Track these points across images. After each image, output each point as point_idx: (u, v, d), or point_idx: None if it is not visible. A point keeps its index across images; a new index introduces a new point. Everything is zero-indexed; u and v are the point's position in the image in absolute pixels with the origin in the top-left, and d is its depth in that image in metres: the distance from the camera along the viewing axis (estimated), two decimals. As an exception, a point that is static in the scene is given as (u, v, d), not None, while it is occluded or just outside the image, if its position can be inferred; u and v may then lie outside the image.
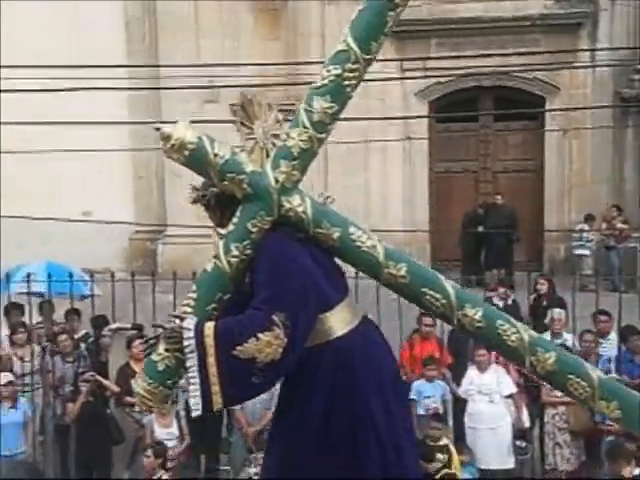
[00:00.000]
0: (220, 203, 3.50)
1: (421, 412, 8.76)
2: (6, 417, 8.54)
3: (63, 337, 9.42)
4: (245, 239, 3.39)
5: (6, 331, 9.97)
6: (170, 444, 8.40)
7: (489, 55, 13.85)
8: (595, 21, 15.73)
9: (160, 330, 3.39)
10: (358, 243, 3.49)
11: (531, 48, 14.76)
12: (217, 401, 3.18)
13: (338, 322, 3.42)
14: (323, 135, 3.49)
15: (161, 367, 3.34)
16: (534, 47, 14.95)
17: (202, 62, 12.48)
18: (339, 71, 3.47)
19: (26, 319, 9.71)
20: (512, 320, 3.60)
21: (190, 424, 8.49)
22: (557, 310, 9.67)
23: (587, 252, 15.11)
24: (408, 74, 15.21)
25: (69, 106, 12.14)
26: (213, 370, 3.16)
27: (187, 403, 8.62)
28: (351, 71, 3.49)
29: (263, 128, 3.53)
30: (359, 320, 3.52)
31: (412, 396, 8.91)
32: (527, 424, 8.80)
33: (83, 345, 9.53)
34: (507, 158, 16.64)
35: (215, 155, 3.41)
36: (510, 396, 8.64)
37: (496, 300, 10.79)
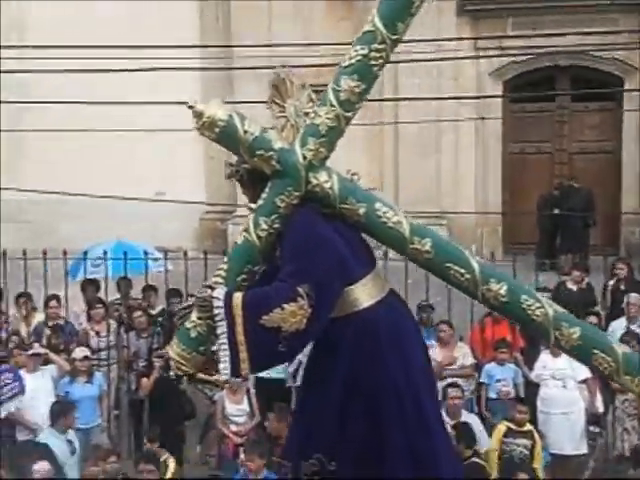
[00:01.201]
0: (252, 179, 3.62)
1: (492, 395, 8.70)
2: (82, 391, 8.75)
3: (138, 313, 9.61)
4: (273, 214, 3.53)
5: (83, 307, 10.22)
6: (240, 420, 8.51)
7: (566, 34, 13.55)
8: (675, -1, 15.25)
9: (193, 299, 3.54)
10: (384, 219, 3.57)
11: (609, 27, 14.39)
12: (244, 367, 3.34)
13: (364, 294, 3.52)
14: (350, 114, 3.58)
15: (193, 334, 3.50)
16: (612, 26, 14.58)
17: (274, 43, 12.49)
18: (366, 51, 3.56)
19: (102, 295, 9.92)
20: (537, 295, 3.64)
21: (260, 401, 8.57)
22: (634, 295, 9.51)
23: (664, 235, 14.73)
24: (482, 53, 15.00)
25: (144, 85, 12.28)
26: (241, 338, 3.31)
27: (257, 380, 8.74)
28: (377, 51, 3.58)
29: (295, 106, 3.63)
30: (385, 293, 3.61)
31: (483, 379, 8.87)
32: (601, 409, 8.67)
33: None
34: (583, 139, 16.29)
35: (245, 132, 3.52)
36: (584, 381, 8.51)
37: (570, 284, 10.63)
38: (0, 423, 8.10)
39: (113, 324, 9.75)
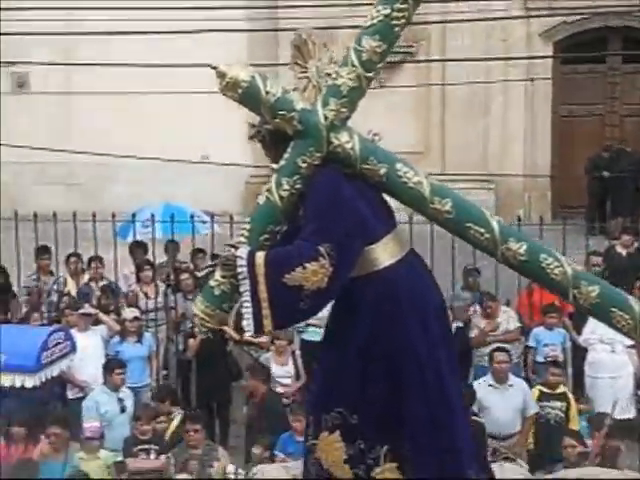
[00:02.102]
0: (274, 140, 3.65)
1: (540, 359, 8.66)
2: (132, 351, 8.88)
3: (185, 275, 9.69)
4: (295, 174, 3.56)
5: (132, 269, 10.34)
6: (286, 381, 8.58)
7: (618, -6, 13.25)
8: None
9: (218, 258, 3.63)
10: (404, 179, 3.60)
11: (663, -14, 14.03)
12: (267, 324, 3.41)
13: (384, 254, 3.56)
14: (371, 74, 3.60)
15: (217, 292, 3.57)
16: (666, -14, 14.20)
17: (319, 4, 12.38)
18: (388, 11, 3.56)
19: (150, 258, 10.03)
20: (556, 254, 3.67)
21: (306, 362, 8.63)
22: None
23: None
24: (533, 13, 14.71)
25: (185, 48, 12.27)
26: (264, 296, 3.39)
27: (303, 342, 8.79)
28: (399, 11, 3.57)
29: (317, 67, 3.65)
30: (405, 253, 3.64)
31: (530, 343, 8.83)
32: (650, 373, 8.57)
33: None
34: (635, 102, 15.96)
35: (267, 93, 3.55)
36: (633, 346, 8.41)
37: (619, 248, 10.50)
38: (52, 381, 8.25)
39: (161, 286, 9.85)
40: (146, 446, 7.42)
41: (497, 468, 4.90)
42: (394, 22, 3.55)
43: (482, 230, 3.59)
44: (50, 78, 14.85)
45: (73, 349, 8.36)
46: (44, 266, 10.13)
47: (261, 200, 3.62)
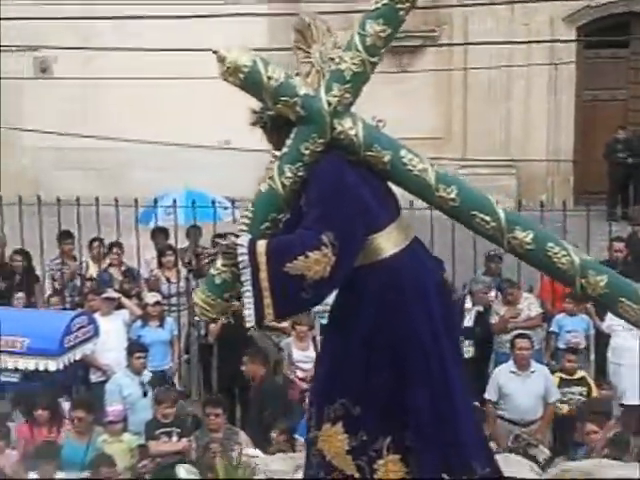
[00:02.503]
0: (276, 126, 3.57)
1: (561, 345, 8.63)
2: (154, 335, 8.93)
3: (206, 261, 9.68)
4: (298, 161, 3.50)
5: (153, 254, 10.38)
6: (307, 366, 8.59)
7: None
8: None
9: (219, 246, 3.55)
10: (409, 166, 3.54)
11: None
12: (269, 314, 3.35)
13: (387, 243, 3.50)
14: (375, 59, 3.53)
15: (218, 280, 3.52)
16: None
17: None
18: None
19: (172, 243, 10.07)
20: (564, 243, 3.60)
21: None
22: None
23: None
24: (556, -3, 14.59)
25: (205, 33, 12.26)
26: (265, 285, 3.33)
27: (323, 327, 8.80)
28: None
29: (320, 52, 3.57)
30: (409, 241, 3.58)
31: (553, 329, 8.78)
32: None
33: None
34: (658, 86, 15.83)
35: (269, 78, 3.47)
36: (657, 332, 8.35)
37: (641, 234, 10.40)
38: (75, 365, 8.32)
39: (183, 271, 9.89)
40: (168, 429, 7.47)
41: (502, 459, 4.88)
42: (399, 6, 3.50)
43: (488, 218, 3.54)
44: (72, 64, 14.89)
45: (96, 333, 8.42)
46: (67, 251, 10.19)
47: (263, 188, 3.56)
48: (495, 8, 14.22)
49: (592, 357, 8.93)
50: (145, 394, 8.10)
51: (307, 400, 4.33)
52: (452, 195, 3.54)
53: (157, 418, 7.60)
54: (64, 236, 10.17)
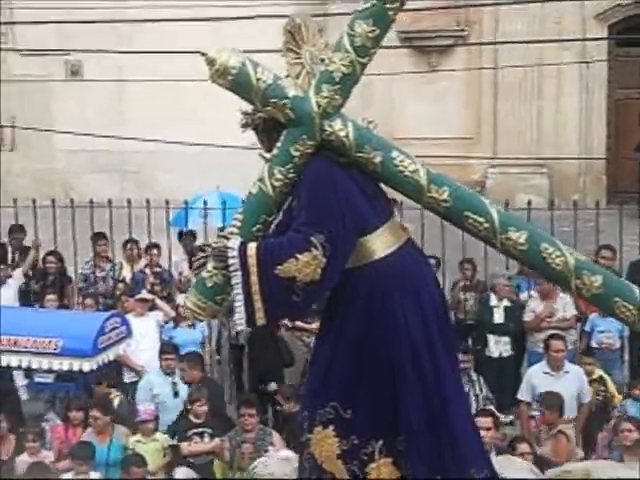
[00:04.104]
0: (267, 128, 3.56)
1: (594, 345, 8.57)
2: (186, 336, 8.97)
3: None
4: (288, 163, 3.48)
5: (182, 256, 10.42)
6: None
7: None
8: None
9: (209, 249, 3.54)
10: (400, 167, 3.51)
11: None
12: (260, 317, 3.37)
13: (379, 244, 3.49)
14: (365, 59, 3.50)
15: (209, 283, 3.51)
16: None
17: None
18: None
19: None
20: (558, 243, 3.57)
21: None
22: None
23: None
24: (587, -5, 14.50)
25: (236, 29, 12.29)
26: (255, 288, 3.33)
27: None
28: None
29: (311, 52, 3.55)
30: (402, 243, 3.55)
31: (586, 328, 8.72)
32: None
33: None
34: (691, 84, 15.65)
35: (258, 80, 3.46)
36: (691, 333, 8.26)
37: (673, 234, 10.27)
38: (109, 365, 8.38)
39: (214, 272, 9.89)
40: (200, 429, 7.50)
41: (503, 460, 4.84)
42: (388, 6, 3.48)
43: (481, 219, 3.51)
44: (103, 66, 15.01)
45: (129, 334, 8.47)
46: (101, 252, 10.26)
47: (253, 190, 3.54)
48: (525, 7, 14.13)
49: (626, 357, 8.85)
50: (176, 394, 8.15)
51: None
52: (444, 196, 3.51)
53: (189, 418, 7.64)
54: (98, 237, 10.24)
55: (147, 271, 10.06)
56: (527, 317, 8.85)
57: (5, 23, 16.23)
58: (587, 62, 14.90)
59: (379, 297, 3.47)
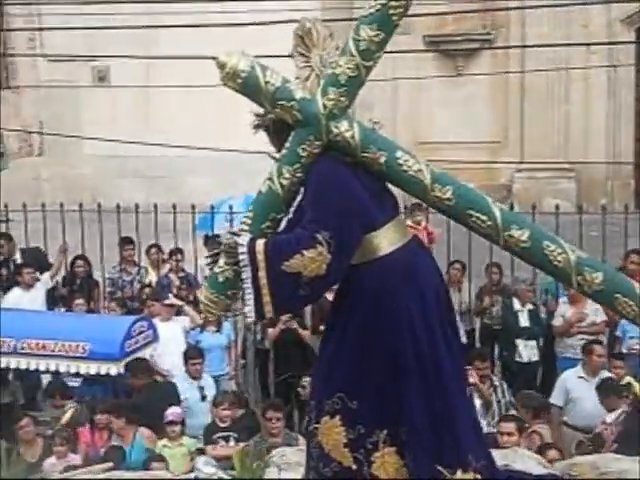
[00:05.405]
0: (277, 129, 3.68)
1: (623, 350, 8.50)
2: (212, 340, 9.01)
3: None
4: (296, 163, 3.59)
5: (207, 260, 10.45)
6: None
7: None
8: None
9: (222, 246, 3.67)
10: (404, 167, 3.62)
11: None
12: (268, 310, 3.49)
13: (384, 241, 3.60)
14: (370, 63, 3.61)
15: (221, 279, 3.63)
16: None
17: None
18: (385, 0, 3.58)
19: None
20: (560, 241, 3.64)
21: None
22: None
23: None
24: (614, -1, 14.41)
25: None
26: (263, 282, 3.46)
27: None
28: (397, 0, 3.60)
29: (321, 56, 3.66)
30: (407, 240, 3.67)
31: (618, 334, 8.66)
32: None
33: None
34: None
35: (266, 83, 3.57)
36: None
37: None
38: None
39: (240, 276, 9.92)
40: (226, 433, 7.52)
41: (511, 454, 4.85)
42: (391, 11, 3.57)
43: (484, 217, 3.60)
44: (130, 72, 15.13)
45: (156, 338, 8.52)
46: (127, 257, 10.33)
47: (263, 189, 3.65)
48: (552, 11, 14.07)
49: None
50: (203, 398, 8.17)
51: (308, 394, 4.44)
52: (448, 195, 3.61)
53: (215, 422, 7.66)
54: (125, 242, 10.31)
55: (172, 276, 10.11)
56: (556, 322, 8.80)
57: (33, 29, 16.42)
58: (614, 66, 14.81)
59: (383, 292, 3.58)
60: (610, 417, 7.06)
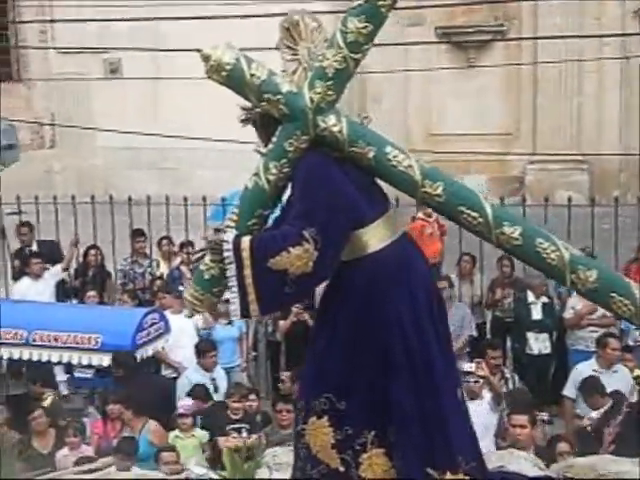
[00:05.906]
0: (264, 123, 3.61)
1: (630, 343, 8.49)
2: (223, 332, 9.02)
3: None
4: (283, 158, 3.52)
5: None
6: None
7: None
8: None
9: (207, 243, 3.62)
10: (394, 162, 3.55)
11: None
12: (253, 308, 3.42)
13: (373, 238, 3.53)
14: (358, 55, 3.53)
15: (207, 276, 3.57)
16: None
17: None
18: None
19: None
20: (553, 238, 3.57)
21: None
22: None
23: None
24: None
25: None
26: (249, 280, 3.39)
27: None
28: None
29: (308, 49, 3.58)
30: (397, 236, 3.59)
31: (623, 326, 8.63)
32: None
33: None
34: None
35: (252, 75, 3.50)
36: None
37: None
38: (147, 361, 8.44)
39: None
40: (237, 425, 7.53)
41: (506, 455, 4.81)
42: (380, 3, 3.49)
43: (475, 214, 3.52)
44: (141, 65, 15.13)
45: (167, 330, 8.54)
46: (139, 249, 10.35)
47: (249, 184, 3.58)
48: (565, 2, 14.01)
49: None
50: (216, 390, 8.19)
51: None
52: (438, 191, 3.53)
53: (227, 414, 7.67)
54: (137, 234, 10.33)
55: (183, 268, 10.12)
56: (567, 314, 8.78)
57: (45, 21, 16.44)
58: (627, 57, 14.72)
59: (373, 289, 3.52)
60: (594, 413, 7.03)
